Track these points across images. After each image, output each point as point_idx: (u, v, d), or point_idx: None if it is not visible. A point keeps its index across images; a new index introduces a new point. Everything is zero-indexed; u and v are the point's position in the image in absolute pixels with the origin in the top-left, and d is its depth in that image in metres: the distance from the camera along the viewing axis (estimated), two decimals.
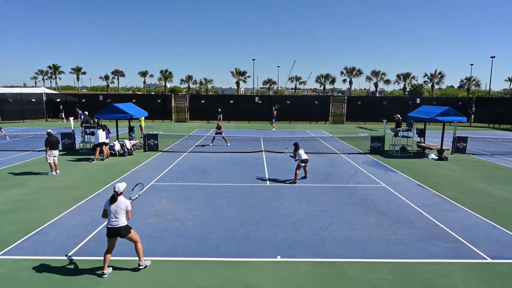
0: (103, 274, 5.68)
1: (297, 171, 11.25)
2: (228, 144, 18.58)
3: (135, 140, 17.78)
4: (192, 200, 9.48)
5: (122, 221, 5.65)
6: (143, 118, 21.04)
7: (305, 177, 11.78)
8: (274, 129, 27.58)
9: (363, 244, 6.91)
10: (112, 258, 6.23)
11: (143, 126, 21.53)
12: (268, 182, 11.42)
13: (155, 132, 18.08)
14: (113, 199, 5.64)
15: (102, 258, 6.01)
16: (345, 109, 34.08)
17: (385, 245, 6.89)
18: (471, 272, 5.97)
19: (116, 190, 5.68)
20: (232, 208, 8.87)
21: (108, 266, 5.81)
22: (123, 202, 5.67)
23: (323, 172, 12.84)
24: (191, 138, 21.42)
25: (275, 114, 28.61)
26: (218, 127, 18.58)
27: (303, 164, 11.40)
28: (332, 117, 34.05)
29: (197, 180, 11.61)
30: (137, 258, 6.10)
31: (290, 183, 11.20)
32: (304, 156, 11.31)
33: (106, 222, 5.79)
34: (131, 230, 5.77)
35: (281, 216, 8.30)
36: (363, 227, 7.72)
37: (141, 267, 5.88)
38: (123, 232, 5.67)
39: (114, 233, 5.66)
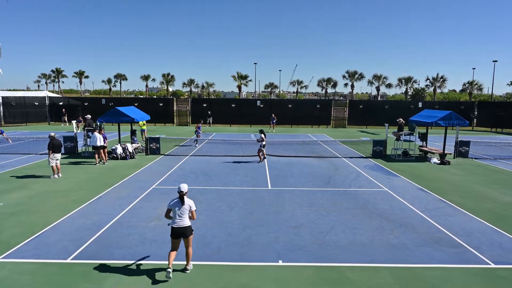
0: (168, 271, 5.56)
1: (260, 154, 15.08)
2: (196, 144, 20.14)
3: (137, 143, 17.83)
4: (195, 202, 9.48)
5: (187, 221, 5.74)
6: (144, 121, 21.11)
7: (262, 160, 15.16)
8: (273, 131, 27.72)
9: (365, 248, 6.88)
10: (112, 261, 6.24)
11: (145, 130, 21.58)
12: (269, 185, 11.41)
13: (157, 136, 18.11)
14: (181, 200, 5.72)
15: (103, 262, 6.01)
16: (347, 113, 34.08)
17: (387, 249, 6.85)
18: (474, 277, 5.93)
19: (182, 190, 5.74)
20: (233, 212, 8.86)
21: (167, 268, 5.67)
22: (188, 202, 5.77)
23: (324, 176, 12.82)
24: (189, 145, 21.45)
25: (275, 118, 28.56)
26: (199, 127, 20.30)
27: (263, 148, 15.11)
28: (334, 121, 34.07)
29: (199, 183, 11.61)
30: (137, 262, 6.10)
31: (258, 162, 14.63)
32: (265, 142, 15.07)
33: (170, 223, 5.81)
34: (193, 233, 5.87)
35: (282, 220, 8.28)
36: (365, 231, 7.69)
37: (187, 271, 5.90)
38: (188, 232, 5.74)
39: (179, 234, 5.71)
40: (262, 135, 15.04)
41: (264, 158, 15.28)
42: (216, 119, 33.36)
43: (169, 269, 5.61)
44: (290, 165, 14.83)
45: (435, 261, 6.44)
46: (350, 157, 16.81)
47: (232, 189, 10.94)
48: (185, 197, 5.80)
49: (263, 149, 15.09)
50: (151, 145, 17.16)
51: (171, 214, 5.81)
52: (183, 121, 34.08)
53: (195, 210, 5.90)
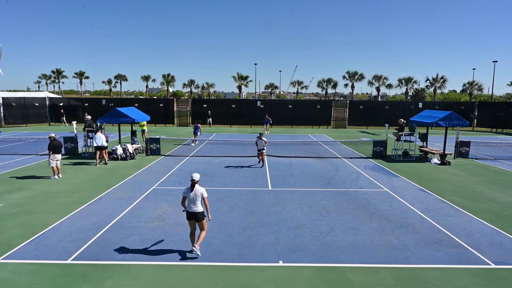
0: (193, 250, 6.34)
1: (260, 157, 14.47)
2: (194, 143, 20.55)
3: (137, 144, 17.83)
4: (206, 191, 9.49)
5: (199, 207, 6.36)
6: (145, 122, 21.12)
7: (262, 165, 14.49)
8: (268, 132, 27.66)
9: (365, 249, 6.88)
10: (112, 262, 6.25)
11: (145, 130, 21.58)
12: (270, 186, 11.42)
13: (157, 137, 18.12)
14: (192, 187, 6.33)
15: (103, 263, 6.02)
16: (347, 114, 34.07)
17: (388, 250, 6.85)
18: (474, 278, 5.93)
19: (194, 178, 6.34)
20: (234, 212, 8.86)
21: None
22: (199, 190, 6.37)
23: (325, 177, 12.82)
24: (188, 144, 21.44)
25: (269, 119, 28.33)
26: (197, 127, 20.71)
27: (258, 153, 14.44)
28: (334, 122, 34.06)
29: (199, 184, 11.57)
30: (138, 262, 6.12)
31: (261, 167, 14.10)
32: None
33: (186, 208, 6.48)
34: (205, 218, 6.45)
35: (283, 221, 8.29)
36: (366, 232, 7.69)
37: (193, 252, 6.39)
38: (200, 216, 6.37)
39: (192, 216, 6.36)
40: (264, 138, 14.33)
41: (263, 163, 14.48)
42: (216, 119, 33.36)
43: (193, 248, 6.37)
44: (291, 165, 14.83)
45: (436, 261, 6.43)
46: (351, 158, 16.80)
47: (232, 189, 10.94)
48: (196, 185, 6.35)
49: (264, 151, 14.41)
50: (151, 145, 17.17)
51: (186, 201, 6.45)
52: (183, 121, 34.07)
53: (207, 196, 6.41)
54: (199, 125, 21.37)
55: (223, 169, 13.80)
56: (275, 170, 13.81)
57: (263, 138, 14.26)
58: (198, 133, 21.53)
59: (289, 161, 15.90)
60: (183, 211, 6.59)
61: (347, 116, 33.99)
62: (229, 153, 17.49)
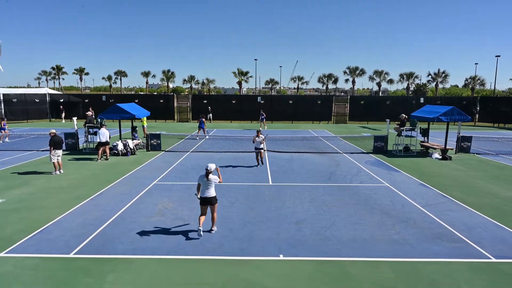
0: (199, 229, 7.03)
1: (259, 157, 13.63)
2: (200, 135, 21.07)
3: (138, 140, 17.86)
4: (195, 199, 9.51)
5: (212, 192, 7.12)
6: (145, 118, 21.14)
7: (261, 162, 13.68)
8: (265, 128, 27.52)
9: (366, 243, 6.91)
10: (114, 256, 6.30)
11: (145, 126, 21.60)
12: (270, 181, 11.46)
13: (158, 132, 18.15)
14: (206, 175, 7.04)
15: (105, 257, 6.07)
16: (348, 109, 34.01)
17: (389, 244, 6.88)
18: (475, 272, 5.95)
19: (208, 169, 7.01)
20: (234, 207, 8.91)
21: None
22: (213, 178, 7.09)
23: (326, 172, 12.86)
24: (193, 138, 21.49)
25: (264, 115, 28.10)
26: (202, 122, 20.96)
27: (256, 151, 13.55)
28: (335, 117, 34.04)
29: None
30: (139, 256, 6.18)
31: (257, 166, 13.47)
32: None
33: (199, 195, 7.20)
34: (217, 202, 7.22)
35: (283, 216, 8.33)
36: (366, 227, 7.72)
37: (212, 231, 7.26)
38: (213, 201, 7.12)
39: (206, 201, 7.07)
40: (262, 136, 13.56)
41: (261, 162, 13.69)
42: (216, 115, 33.35)
43: (199, 228, 7.04)
44: (291, 160, 14.86)
45: (436, 255, 6.46)
46: (351, 153, 16.82)
47: (233, 185, 10.98)
48: (210, 174, 7.05)
49: (262, 150, 13.64)
50: (152, 141, 17.19)
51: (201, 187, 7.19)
52: (183, 117, 34.06)
53: (219, 182, 7.21)
54: (203, 119, 21.50)
55: (223, 164, 13.82)
56: (275, 166, 13.85)
57: (260, 135, 13.45)
58: (204, 127, 21.68)
59: (290, 156, 15.93)
60: (197, 196, 7.19)
61: (348, 111, 33.91)
62: (229, 149, 17.51)
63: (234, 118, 33.54)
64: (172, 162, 14.33)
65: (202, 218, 7.16)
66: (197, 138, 20.77)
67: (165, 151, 17.02)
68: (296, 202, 9.38)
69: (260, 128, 27.52)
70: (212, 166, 7.09)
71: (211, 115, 32.94)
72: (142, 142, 17.85)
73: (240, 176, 12.06)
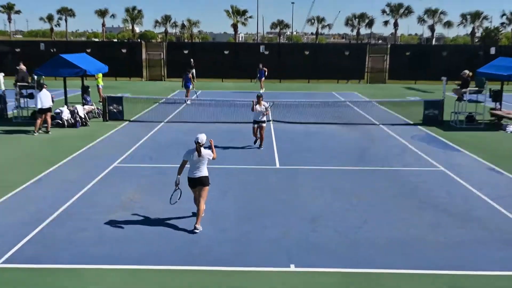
0: (195, 229, 7.36)
1: (259, 133, 13.17)
2: (190, 96, 21.90)
3: (91, 105, 17.77)
4: (173, 188, 9.48)
5: (204, 172, 7.52)
6: (101, 75, 20.95)
7: (259, 145, 13.29)
8: (262, 90, 26.94)
9: (411, 249, 6.91)
10: (57, 266, 6.28)
11: (101, 87, 21.47)
12: (277, 163, 11.51)
13: (119, 95, 18.00)
14: (198, 151, 7.36)
15: (44, 266, 6.04)
16: (388, 63, 33.80)
17: (443, 251, 6.88)
18: None
19: (199, 141, 7.33)
20: (228, 199, 8.95)
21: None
22: (206, 153, 7.45)
23: (355, 150, 12.89)
24: (171, 103, 21.26)
25: (264, 70, 27.21)
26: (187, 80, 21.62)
27: (256, 126, 13.04)
28: (370, 74, 33.94)
29: (179, 160, 11.56)
30: (92, 266, 6.16)
31: (259, 148, 13.13)
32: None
33: (186, 175, 7.53)
34: (209, 183, 7.57)
35: (295, 211, 8.37)
36: (412, 227, 7.73)
37: (196, 230, 7.36)
38: (205, 181, 7.50)
39: (195, 182, 7.45)
40: (265, 104, 12.97)
41: (260, 144, 13.26)
42: (202, 71, 32.79)
43: (196, 228, 7.38)
44: (307, 135, 14.89)
45: (508, 267, 6.43)
46: (392, 125, 16.84)
47: (225, 168, 11.02)
48: (202, 148, 7.36)
49: (264, 125, 13.06)
50: (111, 107, 17.14)
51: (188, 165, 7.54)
52: (155, 74, 33.87)
53: (213, 158, 7.58)
54: (190, 75, 21.68)
55: (212, 140, 13.70)
56: (285, 142, 13.85)
57: (263, 103, 12.80)
58: (191, 87, 21.84)
59: (305, 128, 15.94)
60: (176, 183, 7.56)
61: (387, 66, 33.75)
62: (220, 118, 17.47)
63: (226, 75, 33.34)
64: (139, 137, 14.33)
65: (197, 201, 7.58)
66: (197, 95, 21.97)
67: (130, 121, 17.01)
68: (313, 192, 9.42)
69: (261, 90, 27.23)
70: (203, 138, 7.41)
71: (194, 71, 32.59)
72: (97, 109, 17.80)
73: (235, 157, 12.09)
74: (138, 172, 10.63)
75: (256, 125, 12.98)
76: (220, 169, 10.76)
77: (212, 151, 7.61)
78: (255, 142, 13.31)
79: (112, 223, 7.71)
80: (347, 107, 20.63)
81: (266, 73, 27.46)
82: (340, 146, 13.48)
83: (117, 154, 12.16)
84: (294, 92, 27.01)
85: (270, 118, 16.77)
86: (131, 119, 17.23)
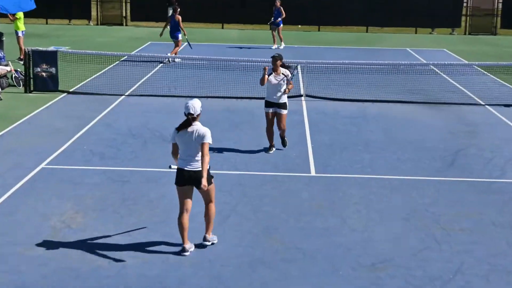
0: (183, 250, 7.64)
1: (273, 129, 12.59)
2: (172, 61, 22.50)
3: (6, 65, 17.97)
4: (138, 203, 9.57)
5: (200, 164, 7.52)
6: (21, 14, 21.12)
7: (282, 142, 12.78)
8: (281, 46, 27.59)
9: None
10: None
11: (21, 34, 21.61)
12: (313, 169, 11.52)
13: (52, 48, 17.95)
14: (186, 125, 7.50)
15: None
16: (501, 1, 33.77)
17: None
18: None
19: (191, 111, 7.44)
20: (230, 229, 8.87)
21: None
22: (201, 130, 7.49)
23: (442, 148, 12.97)
24: (136, 63, 21.29)
25: (282, 14, 27.63)
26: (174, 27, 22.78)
27: (271, 111, 12.42)
28: (470, 19, 34.24)
29: (148, 159, 11.71)
30: None
31: (267, 152, 12.57)
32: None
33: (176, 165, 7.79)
34: (213, 180, 7.78)
35: (342, 250, 8.34)
36: None
37: (207, 243, 7.91)
38: (202, 178, 7.38)
39: (189, 178, 7.56)
40: (287, 73, 12.37)
41: (283, 143, 12.77)
42: (188, 13, 32.82)
43: (186, 246, 7.65)
44: (362, 121, 14.99)
45: None
46: (507, 105, 16.81)
47: (226, 175, 11.03)
48: (196, 122, 7.50)
49: (284, 111, 12.42)
50: (38, 69, 17.29)
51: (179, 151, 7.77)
52: (112, 14, 34.54)
53: (209, 143, 7.52)
54: (178, 17, 22.48)
55: (207, 127, 13.71)
56: (325, 132, 13.98)
57: (281, 70, 12.27)
58: (180, 37, 22.61)
59: (359, 110, 16.04)
60: (170, 167, 7.89)
61: (499, 6, 33.94)
62: (217, 90, 17.56)
63: (228, 19, 34.01)
64: (83, 120, 14.41)
65: (185, 221, 7.70)
66: (172, 61, 22.25)
67: (69, 92, 17.21)
68: (372, 217, 9.38)
69: (274, 46, 27.08)
70: (196, 105, 7.58)
71: (172, 10, 32.60)
72: (16, 72, 17.97)
73: (243, 156, 12.16)
74: (80, 178, 10.65)
75: (271, 110, 12.47)
76: (217, 176, 10.64)
77: (203, 149, 7.51)
78: (270, 148, 12.69)
79: (34, 264, 7.64)
80: (430, 75, 20.51)
81: (284, 16, 27.26)
82: (417, 140, 13.41)
83: (47, 147, 12.24)
84: (342, 48, 26.90)
85: (302, 92, 16.65)
86: (71, 90, 17.38)
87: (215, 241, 8.09)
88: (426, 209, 9.72)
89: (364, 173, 11.32)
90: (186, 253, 7.69)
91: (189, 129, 7.48)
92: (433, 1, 33.26)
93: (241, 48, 26.17)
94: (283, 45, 27.81)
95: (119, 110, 15.48)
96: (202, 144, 7.48)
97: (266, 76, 12.14)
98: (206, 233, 7.94)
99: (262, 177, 11.02)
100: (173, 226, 8.66)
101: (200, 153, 7.51)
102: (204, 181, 7.35)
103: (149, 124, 14.03)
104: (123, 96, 16.83)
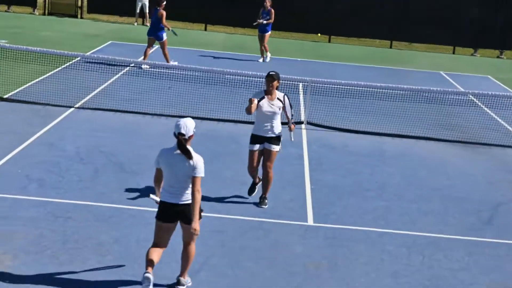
0: (146, 279, 7.47)
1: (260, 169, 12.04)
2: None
3: None
4: (83, 247, 9.58)
5: (190, 196, 7.68)
6: None
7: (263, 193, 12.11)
8: (267, 58, 27.98)
9: None
10: None
11: None
12: (310, 217, 11.52)
13: None
14: (179, 148, 7.57)
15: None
16: None
17: None
18: None
19: (182, 131, 7.51)
20: (196, 282, 8.67)
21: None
22: (195, 159, 7.59)
23: (478, 201, 12.95)
24: (90, 67, 21.30)
25: (271, 10, 27.22)
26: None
27: (257, 148, 11.83)
28: None
29: (99, 192, 11.73)
30: None
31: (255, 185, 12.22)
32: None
33: (159, 197, 7.99)
34: (202, 214, 7.96)
35: None
36: None
37: (181, 287, 8.05)
38: (190, 214, 7.62)
39: (173, 214, 7.78)
40: (287, 101, 11.91)
41: (259, 181, 12.32)
42: (168, 9, 32.98)
43: (148, 274, 7.47)
44: (378, 159, 15.07)
45: None
46: None
47: (206, 219, 10.90)
48: (188, 146, 7.56)
49: (276, 148, 11.86)
50: None
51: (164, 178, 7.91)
52: (63, 3, 34.78)
53: (202, 177, 7.61)
54: (161, 11, 22.89)
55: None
56: (330, 171, 14.06)
57: (277, 94, 11.84)
58: (165, 38, 23.16)
59: (373, 144, 16.21)
60: (154, 200, 8.10)
61: None
62: (196, 110, 17.58)
63: (213, 19, 34.60)
64: (19, 136, 14.40)
65: (155, 253, 7.84)
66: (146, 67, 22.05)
67: (2, 99, 17.38)
68: (385, 282, 9.33)
69: (262, 59, 27.29)
70: (190, 125, 7.68)
71: (142, 4, 32.95)
72: None
73: (221, 195, 12.23)
74: (12, 210, 10.58)
75: (257, 147, 12.00)
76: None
77: (193, 208, 7.62)
78: (251, 189, 12.37)
79: None
80: (468, 107, 20.60)
81: (272, 17, 27.07)
82: (445, 187, 13.48)
83: None
84: (357, 66, 27.05)
85: (302, 119, 16.78)
86: (5, 96, 17.52)
87: (189, 284, 8.25)
88: (453, 276, 9.66)
89: (376, 226, 11.26)
90: (149, 276, 7.55)
91: (186, 154, 7.55)
92: (477, 14, 33.55)
93: (228, 58, 26.27)
94: (269, 56, 27.86)
95: (66, 126, 15.44)
96: (194, 178, 7.60)
97: (255, 102, 11.52)
98: (180, 276, 8.05)
99: (245, 222, 10.99)
100: (127, 279, 8.75)
101: (189, 182, 7.65)
102: (195, 225, 7.50)
103: (103, 146, 14.01)
104: (72, 109, 16.86)
